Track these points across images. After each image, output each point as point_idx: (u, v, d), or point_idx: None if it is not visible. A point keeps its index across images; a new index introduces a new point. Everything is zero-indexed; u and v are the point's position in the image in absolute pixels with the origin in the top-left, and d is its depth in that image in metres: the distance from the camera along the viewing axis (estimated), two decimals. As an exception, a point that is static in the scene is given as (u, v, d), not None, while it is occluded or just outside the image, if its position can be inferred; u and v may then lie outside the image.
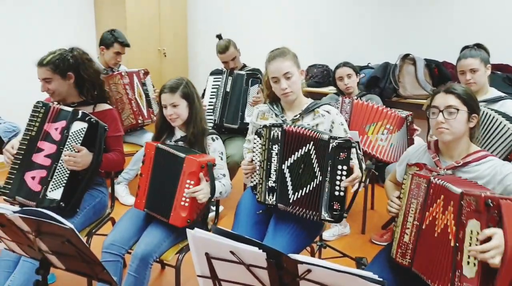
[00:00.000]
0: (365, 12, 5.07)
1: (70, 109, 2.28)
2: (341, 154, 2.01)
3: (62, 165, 2.24)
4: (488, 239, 1.53)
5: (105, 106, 2.52)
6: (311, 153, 2.09)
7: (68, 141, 2.24)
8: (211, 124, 3.63)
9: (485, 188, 1.75)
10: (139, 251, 2.13)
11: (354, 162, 2.04)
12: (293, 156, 2.13)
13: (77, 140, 2.25)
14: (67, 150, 2.23)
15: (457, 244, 1.61)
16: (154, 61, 5.46)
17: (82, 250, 1.46)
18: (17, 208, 1.49)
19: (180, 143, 2.37)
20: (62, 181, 2.24)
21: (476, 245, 1.55)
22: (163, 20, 5.50)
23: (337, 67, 3.55)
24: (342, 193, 2.02)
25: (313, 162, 2.08)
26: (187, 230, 1.42)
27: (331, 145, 2.03)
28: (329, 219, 2.06)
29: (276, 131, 2.16)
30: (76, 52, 2.44)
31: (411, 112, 3.30)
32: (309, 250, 2.55)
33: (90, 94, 2.50)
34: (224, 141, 2.89)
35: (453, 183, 1.71)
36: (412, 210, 1.82)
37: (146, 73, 3.99)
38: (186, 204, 2.16)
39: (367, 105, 3.29)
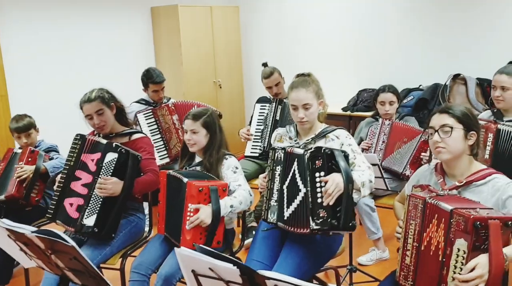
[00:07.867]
0: (416, 34, 5.03)
1: (104, 141, 2.49)
2: (316, 162, 2.09)
3: (96, 193, 2.42)
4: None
5: (139, 135, 2.75)
6: (295, 169, 2.17)
7: (102, 171, 2.43)
8: (259, 151, 3.73)
9: (481, 205, 1.72)
10: (163, 272, 2.26)
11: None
12: (289, 175, 2.20)
13: (110, 170, 2.43)
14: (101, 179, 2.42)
15: (444, 260, 1.62)
16: (210, 92, 5.75)
17: (86, 266, 1.62)
18: (34, 228, 1.69)
19: (198, 168, 2.51)
20: (96, 208, 2.41)
21: (462, 263, 1.57)
22: (218, 55, 5.81)
23: (381, 91, 3.41)
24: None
25: (296, 177, 2.16)
26: (175, 248, 1.55)
27: (305, 156, 2.13)
28: (317, 228, 2.04)
29: (279, 153, 2.24)
30: (106, 89, 2.72)
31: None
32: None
33: (125, 123, 2.79)
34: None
35: (447, 201, 1.69)
36: (411, 232, 1.80)
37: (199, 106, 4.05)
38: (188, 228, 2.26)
39: (406, 126, 3.30)
